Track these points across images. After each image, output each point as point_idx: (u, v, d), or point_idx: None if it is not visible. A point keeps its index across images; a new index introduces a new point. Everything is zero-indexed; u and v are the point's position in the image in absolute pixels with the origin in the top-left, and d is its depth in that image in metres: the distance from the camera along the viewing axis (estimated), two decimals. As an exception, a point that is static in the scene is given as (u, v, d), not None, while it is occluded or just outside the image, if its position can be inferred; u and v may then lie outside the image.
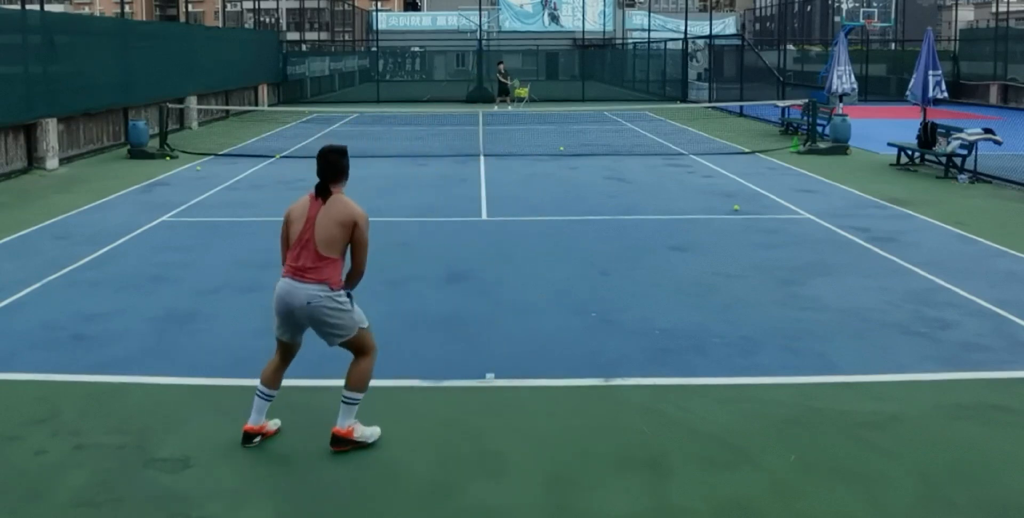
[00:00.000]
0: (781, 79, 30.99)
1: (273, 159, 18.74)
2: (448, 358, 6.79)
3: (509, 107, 31.87)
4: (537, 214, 12.53)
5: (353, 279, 5.36)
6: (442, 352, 6.94)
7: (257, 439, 5.30)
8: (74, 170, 17.44)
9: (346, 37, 66.73)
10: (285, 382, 6.26)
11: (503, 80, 33.07)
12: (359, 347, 5.29)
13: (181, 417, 5.70)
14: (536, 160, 18.28)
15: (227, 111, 29.19)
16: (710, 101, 33.29)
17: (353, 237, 5.17)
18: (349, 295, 5.28)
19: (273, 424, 5.44)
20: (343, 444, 5.18)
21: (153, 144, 19.91)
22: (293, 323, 5.24)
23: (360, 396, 5.24)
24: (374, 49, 50.84)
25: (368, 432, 5.30)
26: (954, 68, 37.77)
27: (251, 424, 5.30)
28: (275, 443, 5.33)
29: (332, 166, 5.41)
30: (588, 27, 52.72)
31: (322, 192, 5.25)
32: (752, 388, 6.19)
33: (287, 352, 5.40)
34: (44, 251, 10.29)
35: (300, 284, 5.11)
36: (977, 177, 15.46)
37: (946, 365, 6.63)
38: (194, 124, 26.33)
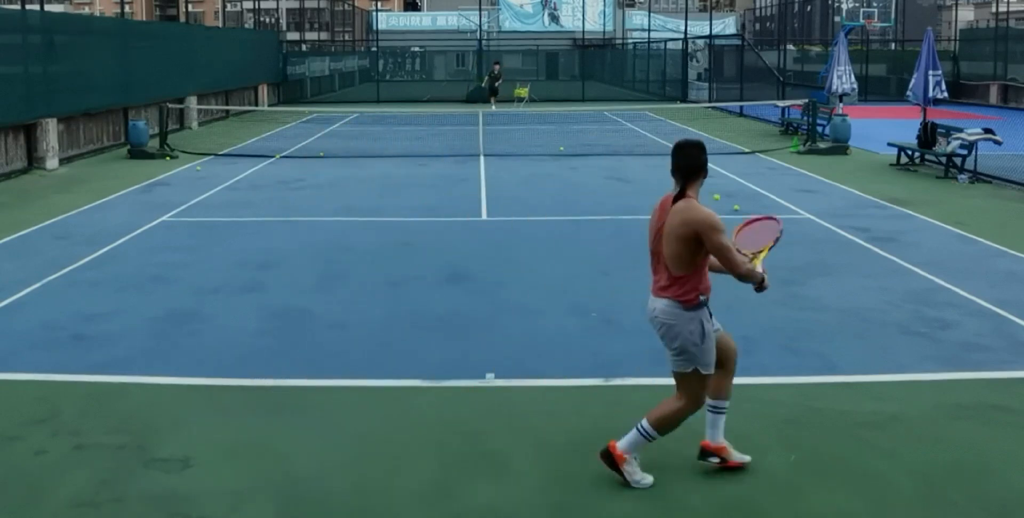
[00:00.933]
0: (781, 79, 30.99)
1: (273, 159, 18.74)
2: (448, 358, 6.79)
3: (493, 106, 31.88)
4: (537, 214, 12.53)
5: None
6: (442, 352, 6.93)
7: (714, 460, 4.87)
8: (74, 170, 17.44)
9: (346, 37, 66.72)
10: (291, 382, 6.30)
11: (495, 81, 33.12)
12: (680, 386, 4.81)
13: (181, 417, 5.70)
14: (536, 160, 18.28)
15: (227, 111, 29.19)
16: (710, 101, 33.29)
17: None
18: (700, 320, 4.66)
19: (739, 457, 4.92)
20: (612, 461, 4.76)
21: (153, 144, 19.91)
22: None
23: (654, 434, 4.76)
24: (374, 49, 50.84)
25: (638, 477, 4.77)
26: (954, 68, 37.77)
27: (707, 439, 4.91)
28: (276, 443, 5.33)
29: (689, 161, 4.88)
30: (588, 27, 52.71)
31: (678, 194, 4.76)
32: (752, 388, 6.18)
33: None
34: (44, 251, 10.29)
35: (653, 302, 4.75)
36: (977, 177, 15.45)
37: (946, 365, 6.63)
38: (194, 124, 26.33)
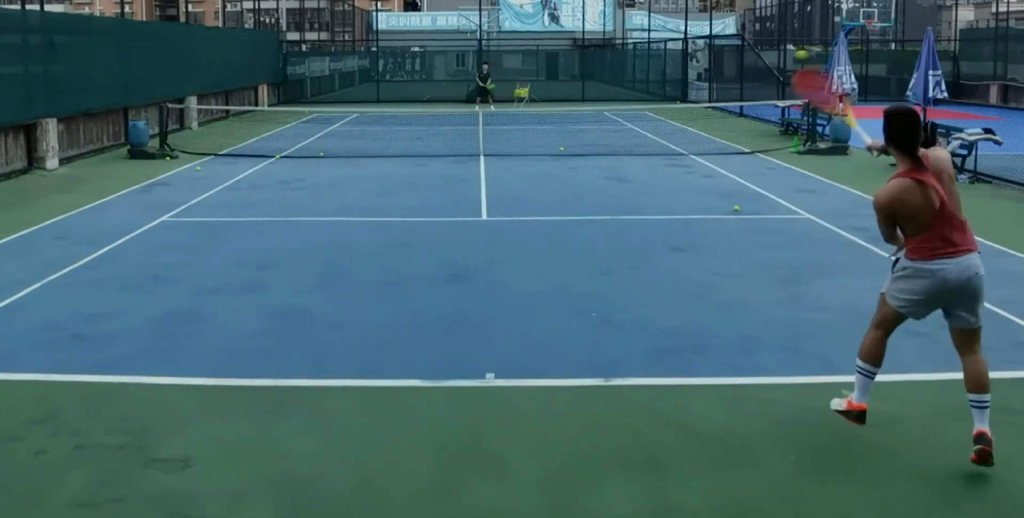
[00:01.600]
0: (781, 79, 30.97)
1: (273, 159, 18.74)
2: (448, 358, 6.79)
3: (492, 106, 31.86)
4: (537, 214, 12.53)
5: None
6: (442, 352, 6.93)
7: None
8: (74, 170, 17.44)
9: (346, 37, 66.71)
10: (291, 382, 6.30)
11: (482, 82, 33.11)
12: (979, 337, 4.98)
13: (181, 417, 5.70)
14: (536, 160, 18.28)
15: (227, 111, 29.19)
16: (710, 101, 33.29)
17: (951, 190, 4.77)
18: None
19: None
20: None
21: (153, 144, 19.91)
22: (949, 300, 4.86)
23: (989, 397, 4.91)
24: (374, 49, 50.84)
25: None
26: (954, 68, 37.76)
27: (862, 402, 5.11)
28: (276, 443, 5.32)
29: (918, 127, 4.78)
30: (588, 27, 52.70)
31: (919, 164, 4.75)
32: (752, 388, 6.19)
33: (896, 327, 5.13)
34: (44, 251, 10.29)
35: (968, 256, 4.76)
36: (977, 177, 15.46)
37: (946, 365, 6.61)
38: (194, 124, 26.33)
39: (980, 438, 4.86)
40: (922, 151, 4.76)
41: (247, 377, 6.37)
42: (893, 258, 5.06)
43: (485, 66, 34.28)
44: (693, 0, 68.42)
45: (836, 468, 4.99)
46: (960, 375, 6.36)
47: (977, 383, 4.97)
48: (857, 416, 5.14)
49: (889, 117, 4.78)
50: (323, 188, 14.91)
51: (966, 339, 4.99)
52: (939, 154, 4.84)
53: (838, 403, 5.29)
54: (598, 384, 6.26)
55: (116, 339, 7.21)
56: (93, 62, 20.18)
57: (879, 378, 6.31)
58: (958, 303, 4.86)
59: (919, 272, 4.78)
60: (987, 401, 4.90)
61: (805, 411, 5.75)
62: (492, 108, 31.14)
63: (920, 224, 4.72)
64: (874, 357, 5.09)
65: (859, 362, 5.17)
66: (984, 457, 4.81)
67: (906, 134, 4.72)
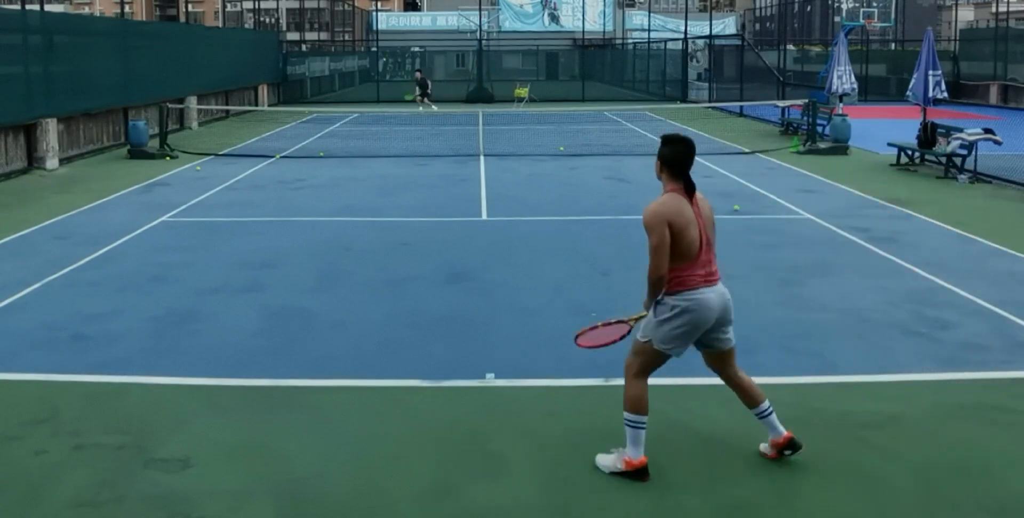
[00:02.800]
0: (781, 79, 30.98)
1: (273, 159, 18.74)
2: (448, 358, 6.79)
3: (433, 107, 31.68)
4: (537, 214, 12.53)
5: None
6: (442, 352, 6.93)
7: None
8: (74, 170, 17.44)
9: (346, 37, 66.73)
10: (291, 382, 6.30)
11: (424, 87, 33.04)
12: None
13: (181, 417, 5.70)
14: (536, 160, 18.28)
15: (227, 111, 29.19)
16: (710, 101, 33.30)
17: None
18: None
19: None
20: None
21: (153, 144, 19.92)
22: (713, 326, 4.81)
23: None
24: (374, 49, 50.84)
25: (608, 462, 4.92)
26: (954, 68, 37.77)
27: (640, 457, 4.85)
28: (276, 443, 5.32)
29: (692, 155, 4.86)
30: (588, 27, 52.71)
31: (691, 187, 4.86)
32: (752, 388, 6.18)
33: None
34: (44, 251, 10.29)
35: (720, 285, 4.83)
36: (977, 177, 15.45)
37: (946, 365, 6.63)
38: (194, 124, 26.33)
39: (792, 443, 4.95)
40: (697, 195, 4.88)
41: (247, 377, 6.37)
42: (651, 309, 4.86)
43: (419, 73, 34.58)
44: (693, 0, 68.41)
45: (836, 468, 4.99)
46: (960, 375, 6.41)
47: (756, 396, 4.98)
48: (640, 473, 4.81)
49: (665, 141, 4.86)
50: (323, 188, 14.91)
51: (728, 359, 4.99)
52: (707, 202, 4.96)
53: (611, 463, 4.90)
54: (598, 384, 6.26)
55: (116, 339, 7.21)
56: (93, 62, 20.18)
57: (878, 378, 6.35)
58: (719, 326, 4.83)
59: (688, 304, 4.69)
60: (771, 406, 4.96)
61: (805, 411, 5.75)
62: (420, 109, 30.89)
63: (689, 244, 4.68)
64: (645, 408, 4.84)
65: (629, 416, 4.82)
66: (795, 449, 4.95)
67: (679, 160, 4.83)
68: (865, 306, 8.02)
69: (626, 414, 4.85)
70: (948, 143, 16.01)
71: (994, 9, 49.31)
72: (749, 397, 5.00)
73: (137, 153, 19.07)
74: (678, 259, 4.71)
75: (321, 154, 19.59)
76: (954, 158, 15.91)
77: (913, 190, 14.58)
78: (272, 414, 5.75)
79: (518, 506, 4.60)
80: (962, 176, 15.65)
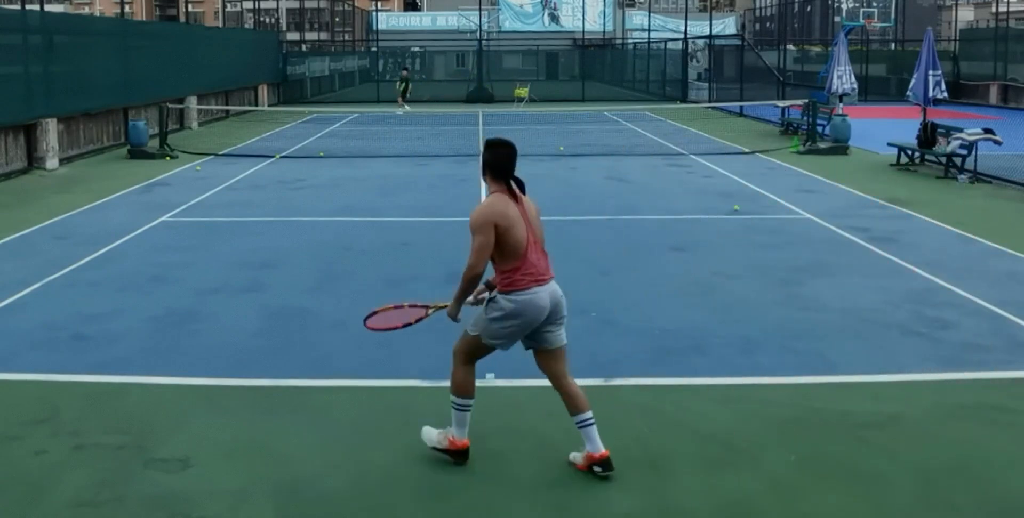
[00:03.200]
0: (781, 79, 30.98)
1: (273, 159, 18.74)
2: (448, 358, 6.76)
3: (406, 107, 31.42)
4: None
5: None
6: (442, 352, 6.90)
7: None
8: (74, 170, 17.44)
9: (346, 37, 66.74)
10: (291, 382, 6.30)
11: (403, 84, 32.63)
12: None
13: (181, 417, 5.70)
14: (536, 160, 18.27)
15: (227, 111, 29.19)
16: (710, 101, 33.29)
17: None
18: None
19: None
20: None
21: (153, 144, 19.91)
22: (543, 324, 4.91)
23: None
24: (374, 49, 50.84)
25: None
26: (954, 68, 37.77)
27: (464, 439, 5.02)
28: (276, 443, 5.32)
29: (514, 158, 4.95)
30: (588, 27, 52.70)
31: (518, 187, 4.94)
32: (752, 388, 6.19)
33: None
34: (44, 251, 10.29)
35: (553, 283, 4.97)
36: (977, 177, 15.45)
37: (946, 365, 6.63)
38: (194, 124, 26.33)
39: (606, 462, 4.84)
40: (522, 196, 4.92)
41: (247, 377, 6.37)
42: (475, 301, 5.00)
43: (405, 72, 34.14)
44: (693, 0, 68.41)
45: (836, 468, 4.99)
46: (960, 375, 6.41)
47: (580, 404, 4.94)
48: (460, 454, 4.99)
49: (487, 145, 4.94)
50: (323, 188, 14.91)
51: (558, 358, 4.99)
52: (532, 202, 5.01)
53: (436, 439, 5.06)
54: (598, 384, 6.25)
55: (116, 339, 7.21)
56: (93, 62, 20.18)
57: (878, 378, 6.35)
58: (549, 323, 4.89)
59: (517, 306, 4.77)
60: (593, 418, 4.91)
61: (805, 411, 5.75)
62: (398, 111, 30.69)
63: (516, 244, 4.77)
64: (470, 391, 5.01)
65: (456, 399, 4.99)
66: (608, 469, 4.83)
67: (500, 163, 4.88)
68: (865, 306, 8.02)
69: (453, 397, 5.01)
70: (948, 143, 16.01)
71: (994, 9, 49.32)
72: (574, 404, 4.95)
73: (137, 153, 19.07)
74: (507, 259, 4.81)
75: (321, 154, 19.60)
76: (954, 158, 15.91)
77: (913, 190, 14.58)
78: (272, 414, 5.75)
79: (518, 506, 4.60)
80: (962, 176, 15.65)
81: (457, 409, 5.01)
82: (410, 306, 5.31)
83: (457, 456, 4.99)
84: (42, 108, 17.39)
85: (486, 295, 4.98)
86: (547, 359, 5.01)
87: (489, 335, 4.91)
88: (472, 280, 4.87)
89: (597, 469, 4.85)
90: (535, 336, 4.95)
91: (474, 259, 4.82)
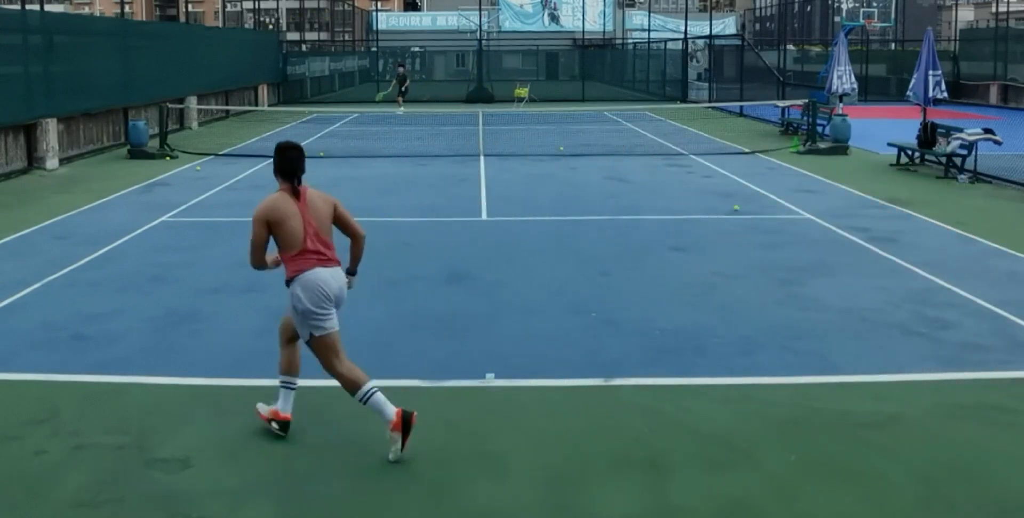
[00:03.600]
0: (781, 79, 30.98)
1: (273, 159, 18.71)
2: (448, 358, 6.79)
3: (402, 108, 31.28)
4: (537, 214, 12.53)
5: (361, 249, 5.73)
6: (442, 352, 6.93)
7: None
8: (74, 170, 17.44)
9: (346, 37, 66.75)
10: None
11: (402, 83, 32.34)
12: None
13: (181, 417, 5.70)
14: (536, 160, 18.28)
15: (227, 111, 29.19)
16: (710, 101, 33.29)
17: (340, 215, 5.54)
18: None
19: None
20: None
21: (153, 144, 19.91)
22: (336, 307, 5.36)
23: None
24: (374, 49, 50.85)
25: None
26: (954, 68, 37.76)
27: (287, 413, 5.46)
28: (276, 443, 5.33)
29: (303, 159, 5.59)
30: (588, 27, 52.69)
31: (299, 185, 5.52)
32: (752, 388, 6.19)
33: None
34: (44, 251, 10.29)
35: (337, 268, 5.39)
36: (977, 177, 15.46)
37: (946, 365, 6.63)
38: (194, 124, 26.33)
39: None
40: (311, 190, 5.50)
41: (247, 377, 6.38)
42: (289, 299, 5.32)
43: (401, 69, 33.89)
44: (693, 0, 68.41)
45: (836, 468, 4.99)
46: (960, 375, 6.42)
47: (296, 367, 5.53)
48: (282, 426, 5.40)
49: (277, 150, 5.56)
50: (323, 188, 14.83)
51: (340, 342, 5.43)
52: (324, 197, 5.59)
53: (267, 412, 5.50)
54: (598, 384, 6.26)
55: (116, 339, 7.21)
56: (93, 62, 20.18)
57: (878, 378, 6.36)
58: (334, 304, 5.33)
59: (304, 284, 5.21)
60: (375, 389, 5.28)
61: (805, 411, 5.75)
62: (399, 111, 30.63)
63: (293, 234, 5.26)
64: (296, 369, 5.50)
65: (283, 378, 5.47)
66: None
67: (286, 166, 5.48)
68: (865, 306, 8.02)
69: (281, 376, 5.50)
70: (948, 143, 16.01)
71: (994, 9, 49.32)
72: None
73: (137, 153, 19.07)
74: (288, 248, 5.30)
75: (321, 154, 19.59)
76: (954, 158, 15.91)
77: (913, 190, 14.59)
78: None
79: (518, 506, 4.61)
80: (962, 176, 15.65)
81: (286, 387, 5.48)
82: None
83: (280, 427, 5.40)
84: (42, 108, 17.39)
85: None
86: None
87: (303, 323, 5.28)
88: (256, 267, 5.47)
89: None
90: None
91: (251, 253, 5.40)
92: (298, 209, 5.35)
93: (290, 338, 5.49)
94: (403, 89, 32.16)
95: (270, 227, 5.31)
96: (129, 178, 16.01)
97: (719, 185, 14.94)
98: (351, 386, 5.28)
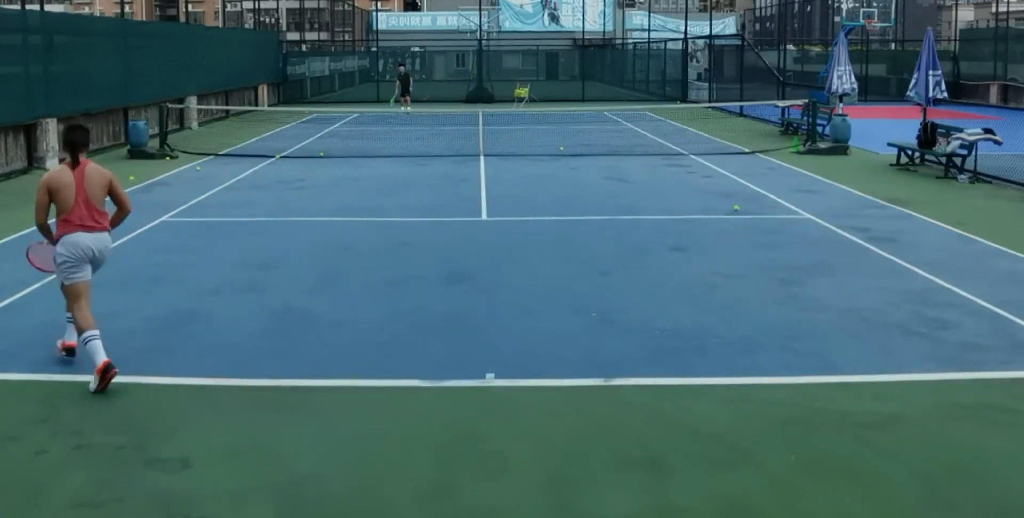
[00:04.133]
0: (781, 79, 30.98)
1: (273, 159, 18.74)
2: (448, 358, 6.79)
3: (406, 108, 31.13)
4: (537, 214, 12.53)
5: (121, 219, 6.72)
6: (442, 352, 6.93)
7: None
8: (74, 170, 17.41)
9: (346, 37, 66.75)
10: (291, 382, 6.31)
11: (403, 81, 32.15)
12: None
13: (181, 417, 5.70)
14: (536, 160, 18.28)
15: (227, 111, 29.19)
16: (710, 101, 33.29)
17: (113, 188, 6.54)
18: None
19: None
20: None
21: (153, 144, 19.91)
22: (94, 265, 6.46)
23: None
24: (374, 49, 50.85)
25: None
26: (954, 68, 37.76)
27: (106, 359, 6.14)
28: (276, 443, 5.33)
29: (85, 138, 6.54)
30: (588, 27, 52.69)
31: (77, 161, 6.41)
32: (752, 388, 6.19)
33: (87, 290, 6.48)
34: (44, 251, 10.27)
35: (100, 233, 6.43)
36: (977, 177, 15.46)
37: (946, 365, 6.63)
38: (194, 124, 26.33)
39: (107, 368, 6.07)
40: (91, 164, 6.47)
41: (247, 377, 6.38)
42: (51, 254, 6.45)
43: (402, 68, 33.69)
44: (693, 0, 68.41)
45: (836, 468, 4.99)
46: (960, 375, 6.42)
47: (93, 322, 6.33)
48: (105, 371, 6.03)
49: (65, 129, 6.62)
50: (323, 188, 14.91)
51: (87, 292, 6.43)
52: (100, 171, 6.52)
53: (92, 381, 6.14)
54: (598, 384, 6.26)
55: (116, 339, 7.19)
56: (93, 62, 20.18)
57: (878, 378, 6.36)
58: (95, 265, 6.47)
59: (66, 243, 6.29)
60: (97, 334, 6.21)
61: (805, 411, 5.75)
62: (402, 109, 30.53)
63: (66, 201, 6.30)
64: (89, 325, 6.26)
65: (87, 333, 6.20)
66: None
67: (69, 142, 6.43)
68: (865, 306, 8.02)
69: (85, 333, 6.21)
70: (948, 143, 16.02)
71: (994, 9, 49.31)
72: (91, 323, 6.30)
73: (137, 153, 19.07)
74: (60, 212, 6.34)
75: (321, 154, 19.60)
76: (954, 158, 15.91)
77: (913, 190, 14.59)
78: (272, 414, 5.75)
79: (518, 506, 4.61)
80: (962, 176, 15.65)
81: (91, 340, 6.18)
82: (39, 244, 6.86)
83: (105, 373, 6.04)
84: (42, 108, 17.39)
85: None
86: (86, 289, 6.43)
87: (61, 274, 6.36)
88: (40, 229, 6.55)
89: (63, 354, 6.62)
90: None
91: (35, 214, 6.43)
92: (73, 180, 6.31)
93: (72, 299, 6.39)
94: (406, 89, 31.94)
95: (50, 193, 6.33)
96: (129, 178, 16.00)
97: (719, 185, 14.94)
98: (78, 328, 6.32)
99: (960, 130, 16.07)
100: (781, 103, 24.57)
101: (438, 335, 7.34)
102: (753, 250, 10.24)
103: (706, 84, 38.05)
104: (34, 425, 5.56)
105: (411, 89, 32.23)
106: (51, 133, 17.35)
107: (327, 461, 5.10)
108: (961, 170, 15.87)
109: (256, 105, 33.06)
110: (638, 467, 5.00)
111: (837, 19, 51.51)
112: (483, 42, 43.43)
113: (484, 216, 12.52)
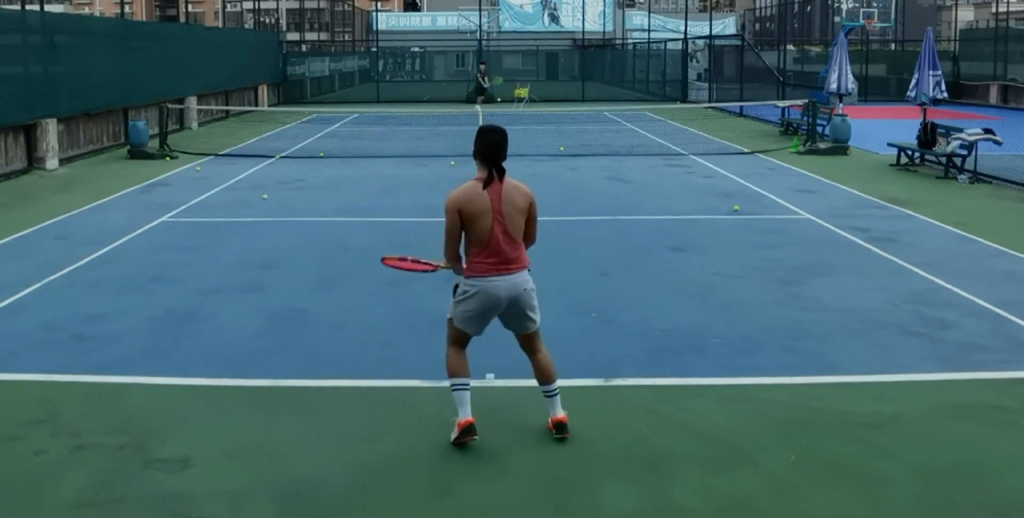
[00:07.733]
0: (781, 79, 30.98)
1: (273, 159, 18.74)
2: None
3: (478, 107, 31.30)
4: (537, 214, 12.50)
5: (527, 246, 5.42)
6: (442, 352, 6.91)
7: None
8: (74, 170, 17.43)
9: (346, 37, 66.78)
10: (291, 382, 6.31)
11: (481, 81, 32.59)
12: (539, 336, 5.44)
13: (181, 417, 5.70)
14: (536, 160, 18.27)
15: (227, 111, 29.19)
16: (710, 101, 33.28)
17: (531, 215, 5.28)
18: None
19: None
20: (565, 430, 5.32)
21: (153, 144, 19.91)
22: (495, 315, 5.25)
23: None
24: (374, 49, 50.85)
25: None
26: (954, 68, 37.76)
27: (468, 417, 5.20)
28: (276, 443, 5.33)
29: (502, 144, 5.21)
30: (588, 27, 52.69)
31: (499, 175, 5.15)
32: (752, 388, 6.19)
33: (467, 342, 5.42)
34: (44, 251, 10.29)
35: (515, 276, 5.15)
36: (977, 177, 15.46)
37: (946, 365, 6.63)
38: (194, 124, 26.34)
39: (561, 426, 5.30)
40: (513, 182, 5.21)
41: (247, 377, 6.38)
42: (455, 284, 5.30)
43: (483, 66, 33.99)
44: (693, 0, 68.41)
45: (836, 468, 4.99)
46: (960, 375, 6.43)
47: (547, 376, 5.38)
48: (468, 430, 5.18)
49: (479, 132, 5.23)
50: (323, 188, 14.91)
51: (531, 342, 5.39)
52: (522, 189, 5.26)
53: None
54: (598, 384, 6.26)
55: (116, 339, 7.21)
56: (93, 62, 20.17)
57: (878, 378, 6.36)
58: (513, 312, 5.21)
59: (474, 290, 5.10)
60: (556, 390, 5.37)
61: (805, 411, 5.75)
62: (477, 108, 30.68)
63: (480, 233, 5.02)
64: (465, 371, 5.31)
65: (454, 380, 5.28)
66: (562, 432, 5.30)
67: (487, 149, 5.16)
68: (865, 306, 8.02)
69: (451, 379, 5.31)
70: (948, 143, 16.01)
71: (994, 9, 49.32)
72: (542, 376, 5.39)
73: (137, 153, 19.06)
74: (473, 245, 5.08)
75: (321, 154, 19.59)
76: (954, 158, 15.91)
77: (913, 190, 14.59)
78: (272, 414, 5.75)
79: (518, 506, 4.61)
80: (962, 176, 15.65)
81: (459, 389, 5.25)
82: (412, 261, 5.80)
83: (466, 434, 5.16)
84: (42, 108, 17.39)
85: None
86: (520, 339, 5.44)
87: (456, 319, 5.26)
88: (452, 261, 5.22)
89: (554, 433, 5.31)
90: (506, 323, 5.34)
91: (445, 243, 5.15)
92: (489, 204, 5.05)
93: (451, 341, 5.39)
94: (482, 90, 32.27)
95: (462, 218, 5.02)
96: (129, 178, 16.01)
97: (719, 185, 14.94)
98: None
99: (960, 130, 16.07)
100: (781, 103, 24.57)
101: (438, 335, 7.31)
102: (753, 250, 10.24)
103: (706, 84, 38.05)
104: (34, 425, 5.56)
105: (488, 88, 32.46)
106: (51, 133, 17.36)
107: (327, 461, 5.10)
108: (961, 170, 15.87)
109: (256, 105, 33.06)
110: (638, 467, 5.00)
111: (837, 19, 51.56)
112: (483, 42, 43.43)
113: (484, 216, 12.50)
